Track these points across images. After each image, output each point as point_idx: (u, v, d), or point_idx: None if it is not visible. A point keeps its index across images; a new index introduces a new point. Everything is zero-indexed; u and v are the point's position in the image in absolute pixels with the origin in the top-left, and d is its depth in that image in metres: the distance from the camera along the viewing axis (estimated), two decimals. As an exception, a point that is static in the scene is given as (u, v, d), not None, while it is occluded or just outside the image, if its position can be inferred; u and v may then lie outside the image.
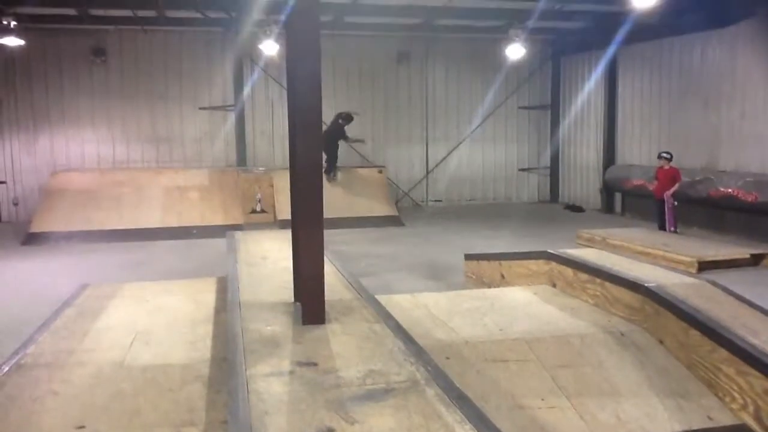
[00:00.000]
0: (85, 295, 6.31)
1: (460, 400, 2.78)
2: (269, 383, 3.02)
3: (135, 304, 5.97)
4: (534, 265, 6.81)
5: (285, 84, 15.59)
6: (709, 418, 4.03)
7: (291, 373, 3.14)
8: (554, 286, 6.35)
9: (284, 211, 13.91)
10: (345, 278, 5.18)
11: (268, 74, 15.90)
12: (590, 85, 15.95)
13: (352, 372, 3.13)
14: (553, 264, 6.40)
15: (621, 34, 13.07)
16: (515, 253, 7.38)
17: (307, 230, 3.84)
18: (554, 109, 17.71)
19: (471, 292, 6.55)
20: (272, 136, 16.42)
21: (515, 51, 14.42)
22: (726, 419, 4.02)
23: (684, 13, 11.72)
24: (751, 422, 3.92)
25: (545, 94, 17.79)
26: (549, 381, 4.30)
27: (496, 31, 14.99)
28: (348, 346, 3.54)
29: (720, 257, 9.17)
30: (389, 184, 15.70)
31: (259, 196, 14.39)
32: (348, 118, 13.95)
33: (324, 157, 12.02)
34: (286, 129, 15.74)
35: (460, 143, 17.32)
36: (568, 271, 6.13)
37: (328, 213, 4.39)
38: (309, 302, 3.92)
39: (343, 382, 3.01)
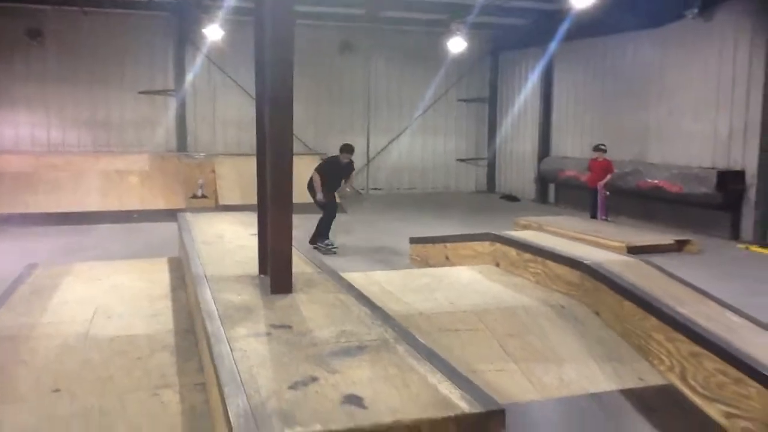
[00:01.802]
0: (35, 275, 6.32)
1: (429, 354, 3.06)
2: (249, 343, 3.23)
3: (89, 282, 6.03)
4: (478, 246, 7.17)
5: (227, 70, 15.73)
6: (641, 379, 4.44)
7: (268, 334, 3.36)
8: (498, 265, 6.72)
9: (226, 197, 13.98)
10: (304, 255, 5.39)
11: (210, 60, 15.84)
12: (527, 80, 16.53)
13: (326, 333, 3.36)
14: (497, 245, 6.77)
15: (558, 32, 13.63)
16: (460, 236, 7.72)
17: (277, 206, 4.04)
18: (492, 102, 18.27)
19: (421, 271, 6.87)
20: (214, 122, 16.39)
21: (456, 45, 14.84)
22: (655, 380, 4.44)
23: (618, 13, 12.32)
24: (677, 382, 4.35)
25: (484, 88, 18.31)
26: (498, 348, 4.63)
27: (438, 24, 15.37)
28: (317, 312, 3.78)
29: (647, 243, 9.79)
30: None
31: (201, 181, 14.39)
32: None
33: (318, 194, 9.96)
34: (229, 115, 15.54)
35: (401, 133, 17.66)
36: (512, 252, 6.51)
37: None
38: (277, 273, 4.12)
39: (318, 341, 3.24)
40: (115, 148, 15.46)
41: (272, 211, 4.07)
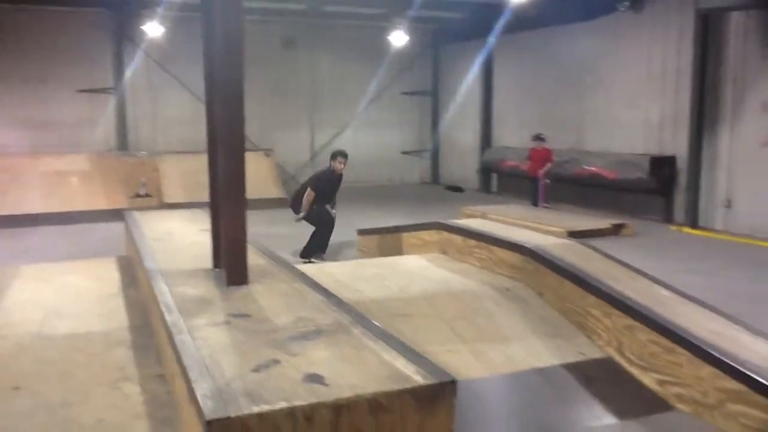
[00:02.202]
0: (-20, 278, 6.24)
1: (383, 335, 3.24)
2: (209, 332, 3.34)
3: (38, 283, 6.01)
4: (426, 235, 7.38)
5: (168, 67, 15.55)
6: (581, 354, 4.72)
7: (227, 323, 3.47)
8: (445, 253, 6.95)
9: (170, 195, 13.87)
10: (256, 248, 5.49)
11: (150, 57, 15.65)
12: (468, 73, 16.83)
13: (283, 319, 3.50)
14: (444, 233, 7.00)
15: (497, 25, 13.95)
16: (408, 225, 7.92)
17: (231, 199, 4.15)
18: (435, 94, 18.57)
19: (370, 261, 7.05)
20: (155, 120, 16.19)
21: (398, 38, 15.04)
22: (595, 354, 4.72)
23: (555, 6, 12.71)
24: (615, 354, 4.64)
25: (427, 81, 18.58)
26: (448, 331, 4.85)
27: (381, 18, 15.54)
28: (274, 301, 3.91)
29: (586, 228, 10.19)
30: (276, 166, 15.92)
31: (143, 180, 14.23)
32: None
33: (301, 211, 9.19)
34: (170, 113, 15.33)
35: (346, 128, 17.78)
36: (458, 239, 6.74)
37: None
38: (232, 265, 4.23)
39: (277, 327, 3.38)
40: (53, 149, 15.11)
41: (226, 205, 4.17)
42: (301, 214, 9.15)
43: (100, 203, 13.45)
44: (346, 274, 6.04)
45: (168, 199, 13.68)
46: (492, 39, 15.16)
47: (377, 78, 17.42)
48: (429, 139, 18.87)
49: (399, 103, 18.33)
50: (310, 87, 17.43)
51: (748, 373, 3.72)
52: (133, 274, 6.17)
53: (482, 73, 16.55)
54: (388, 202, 14.82)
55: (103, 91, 15.56)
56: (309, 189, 9.13)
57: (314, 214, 9.12)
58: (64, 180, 13.87)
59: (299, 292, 4.13)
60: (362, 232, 9.15)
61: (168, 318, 3.52)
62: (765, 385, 3.61)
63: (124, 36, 15.38)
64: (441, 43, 18.01)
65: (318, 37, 17.12)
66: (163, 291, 4.10)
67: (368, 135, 18.20)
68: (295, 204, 9.42)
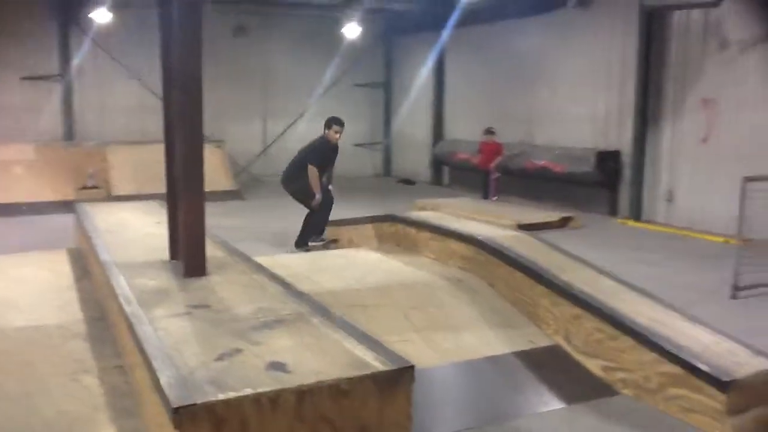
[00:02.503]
0: (-71, 271, 6.11)
1: (342, 324, 3.34)
2: (170, 322, 3.39)
3: (-10, 276, 5.91)
4: (380, 227, 7.50)
5: (116, 55, 15.26)
6: (531, 342, 4.91)
7: (188, 314, 3.52)
8: (399, 245, 7.08)
9: (120, 187, 13.65)
10: (213, 240, 5.52)
11: (98, 44, 15.32)
12: (421, 65, 16.96)
13: (244, 310, 3.57)
14: (399, 226, 7.13)
15: (449, 18, 14.10)
16: (362, 218, 8.02)
17: (189, 190, 4.18)
18: (387, 87, 18.66)
19: (326, 253, 7.15)
20: (102, 109, 15.87)
21: (351, 30, 15.08)
22: (544, 342, 4.92)
23: (506, 0, 12.92)
24: (563, 342, 4.84)
25: (380, 73, 18.66)
26: (402, 320, 4.98)
27: (334, 9, 15.53)
28: (233, 292, 3.97)
29: (535, 220, 10.44)
30: (227, 158, 15.79)
31: (91, 171, 13.95)
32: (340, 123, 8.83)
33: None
34: (119, 102, 14.95)
35: (298, 119, 17.74)
36: (412, 231, 6.88)
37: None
38: (190, 256, 4.26)
39: (238, 317, 3.44)
40: (-5, 138, 14.69)
41: (184, 196, 4.20)
42: (318, 197, 8.18)
43: (47, 194, 13.14)
44: (302, 266, 6.11)
45: (117, 191, 13.46)
46: (445, 32, 15.31)
47: (330, 69, 17.40)
48: (382, 131, 18.97)
49: (352, 95, 18.35)
50: (263, 77, 17.32)
51: (687, 358, 3.95)
52: (86, 266, 6.12)
53: (435, 66, 16.71)
54: (342, 194, 14.76)
55: (48, 78, 15.17)
56: (309, 165, 8.19)
57: (310, 193, 8.23)
58: (9, 170, 13.49)
59: (258, 283, 4.20)
60: (316, 224, 9.20)
61: (128, 309, 3.55)
62: (703, 369, 3.84)
63: (71, 22, 15.03)
64: (394, 35, 18.10)
65: (270, 27, 17.01)
66: (121, 283, 4.11)
67: (320, 126, 18.09)
68: (288, 181, 8.55)
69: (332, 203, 8.52)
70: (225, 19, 16.34)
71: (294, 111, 17.66)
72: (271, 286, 4.10)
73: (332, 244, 8.25)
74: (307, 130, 17.81)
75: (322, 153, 8.47)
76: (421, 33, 16.68)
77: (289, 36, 17.28)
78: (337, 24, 15.51)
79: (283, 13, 16.70)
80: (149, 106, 14.78)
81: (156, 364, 2.77)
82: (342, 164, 18.13)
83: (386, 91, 18.71)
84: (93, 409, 3.34)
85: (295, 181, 8.40)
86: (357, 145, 18.71)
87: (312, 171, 8.17)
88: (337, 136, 8.49)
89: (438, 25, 15.08)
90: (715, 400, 3.73)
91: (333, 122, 8.51)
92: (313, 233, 8.31)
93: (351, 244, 7.98)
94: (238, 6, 15.98)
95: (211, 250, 5.01)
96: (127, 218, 6.97)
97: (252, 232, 10.32)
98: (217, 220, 11.15)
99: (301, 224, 8.42)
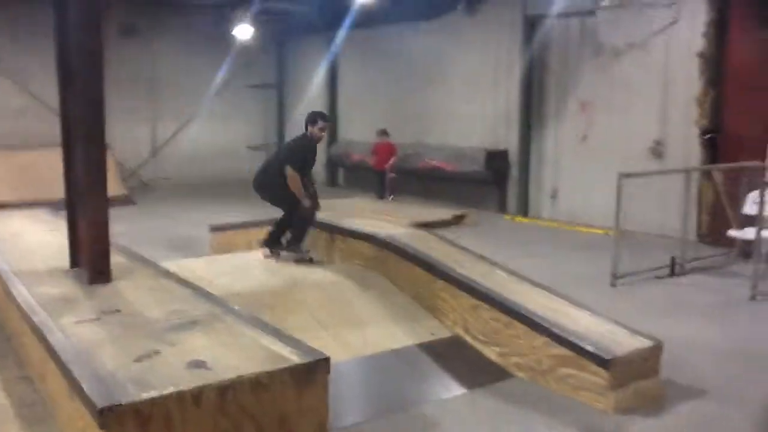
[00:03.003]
0: None
1: (256, 322, 3.45)
2: (82, 329, 3.38)
3: None
4: (281, 229, 7.56)
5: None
6: (432, 334, 5.18)
7: (98, 319, 3.52)
8: (300, 246, 7.18)
9: (-1, 194, 12.95)
10: (114, 246, 5.44)
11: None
12: (315, 67, 17.06)
13: (156, 313, 3.60)
14: (299, 227, 7.22)
15: (342, 21, 14.27)
16: (262, 221, 8.04)
17: (93, 195, 4.13)
18: (281, 88, 18.65)
19: (229, 256, 7.14)
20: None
21: (243, 30, 14.99)
22: (444, 333, 5.20)
23: (398, 4, 13.23)
24: (462, 332, 5.14)
25: (272, 74, 18.61)
26: (310, 319, 5.12)
27: (225, 9, 15.37)
28: (142, 296, 3.98)
29: (430, 219, 10.79)
30: (115, 162, 15.30)
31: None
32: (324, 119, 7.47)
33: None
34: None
35: (189, 121, 17.42)
36: (311, 232, 7.01)
37: (54, 194, 4.50)
38: (95, 263, 4.22)
39: (151, 320, 3.48)
40: None
41: (88, 200, 4.15)
42: (305, 202, 6.90)
43: None
44: (206, 269, 6.12)
45: (-4, 199, 12.76)
46: (338, 34, 15.48)
47: (222, 70, 17.18)
48: (275, 133, 18.93)
49: (244, 97, 18.20)
50: (151, 79, 16.86)
51: (575, 340, 4.31)
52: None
53: (328, 67, 16.86)
54: (237, 197, 14.68)
55: None
56: (289, 167, 6.92)
57: (285, 199, 7.02)
58: None
59: (165, 287, 4.22)
60: (215, 229, 9.11)
61: (35, 319, 3.50)
62: (587, 350, 4.22)
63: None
64: (287, 36, 18.10)
65: (159, 26, 16.59)
66: (23, 293, 4.02)
67: (213, 128, 17.92)
68: (263, 188, 7.30)
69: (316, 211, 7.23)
70: (111, 16, 15.80)
71: (185, 113, 17.33)
72: (179, 290, 4.14)
73: (310, 258, 6.77)
74: (200, 132, 17.58)
75: (304, 154, 7.18)
76: (314, 35, 16.78)
77: (179, 36, 16.93)
78: (229, 24, 15.36)
79: (172, 13, 16.35)
80: (30, 110, 14.13)
81: (74, 369, 2.79)
82: (235, 166, 18.10)
83: (279, 93, 18.70)
84: (1, 421, 3.29)
85: (271, 188, 7.12)
86: (250, 147, 18.59)
87: (292, 176, 6.89)
88: (323, 133, 7.31)
89: (331, 27, 15.22)
90: (599, 376, 4.11)
91: (318, 117, 7.24)
92: (300, 238, 6.92)
93: (251, 247, 7.99)
94: (126, 3, 15.51)
95: (113, 257, 4.96)
96: (19, 227, 6.72)
97: (147, 237, 10.09)
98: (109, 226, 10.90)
99: (275, 224, 7.23)
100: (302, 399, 2.92)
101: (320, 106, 17.25)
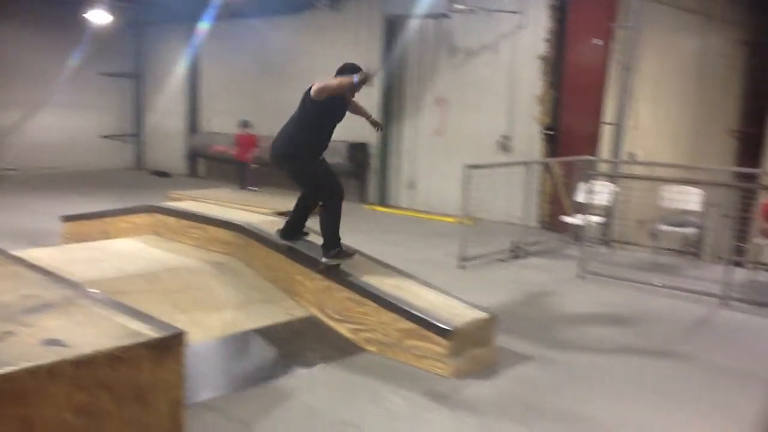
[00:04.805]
0: None
1: (111, 302, 3.53)
2: (-74, 314, 3.32)
3: None
4: (137, 218, 7.51)
5: None
6: (289, 314, 5.41)
7: (-56, 305, 3.46)
8: (158, 235, 7.17)
9: None
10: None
11: None
12: (176, 57, 16.71)
13: (7, 297, 3.58)
14: (157, 216, 7.22)
15: (205, 11, 14.11)
16: (118, 210, 7.94)
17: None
18: (139, 77, 18.10)
19: (82, 245, 7.00)
20: None
21: (98, 16, 14.44)
22: (301, 314, 5.45)
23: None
24: (317, 312, 5.41)
25: (130, 63, 18.01)
26: (167, 304, 5.18)
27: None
28: (-9, 282, 3.92)
29: (290, 208, 10.97)
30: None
31: None
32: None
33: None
34: None
35: (38, 108, 16.53)
36: (171, 220, 7.04)
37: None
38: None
39: (2, 305, 3.47)
40: None
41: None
42: (357, 78, 5.03)
43: None
44: (57, 258, 5.98)
45: None
46: (199, 25, 15.26)
47: (74, 57, 16.42)
48: (132, 123, 18.35)
49: (98, 85, 17.49)
50: (-5, 63, 15.86)
51: (418, 314, 4.71)
52: None
53: (190, 58, 16.57)
54: (90, 188, 14.22)
55: None
56: (315, 84, 5.27)
57: (308, 169, 5.53)
58: None
59: (17, 273, 4.18)
60: (67, 219, 8.83)
61: None
62: (430, 322, 4.62)
63: None
64: (146, 24, 17.56)
65: (5, 7, 15.60)
66: None
67: (64, 117, 17.13)
68: (282, 155, 5.59)
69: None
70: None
71: (32, 100, 16.42)
72: (31, 275, 4.11)
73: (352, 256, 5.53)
74: (50, 121, 16.74)
75: (331, 101, 5.37)
76: (175, 24, 16.44)
77: (28, 20, 16.01)
78: (82, 9, 14.72)
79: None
80: None
81: None
82: (88, 156, 17.43)
83: (137, 82, 18.14)
84: None
85: (291, 154, 5.48)
86: (105, 137, 17.92)
87: (323, 86, 5.20)
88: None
89: (193, 17, 15.00)
90: (440, 345, 4.53)
91: (346, 69, 5.33)
92: (337, 237, 5.47)
93: (106, 237, 7.85)
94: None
95: (-43, 245, 4.81)
96: None
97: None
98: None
99: (295, 208, 5.89)
100: (158, 373, 3.06)
101: (181, 96, 16.96)
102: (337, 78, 5.19)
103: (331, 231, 5.44)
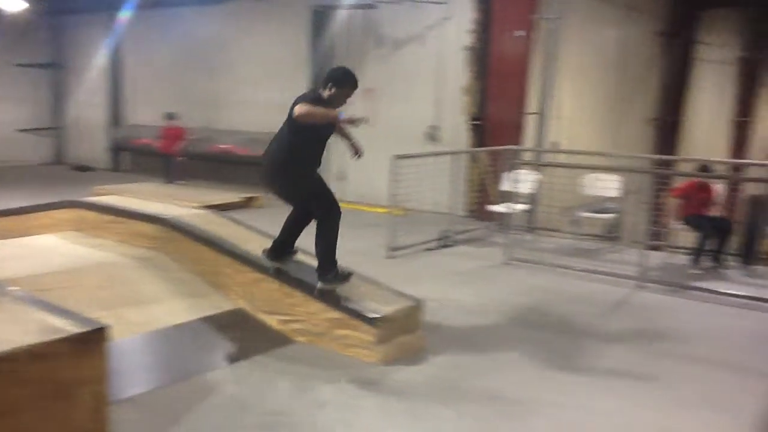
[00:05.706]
0: None
1: (31, 299, 3.45)
2: None
3: None
4: (57, 214, 7.31)
5: None
6: (217, 308, 5.38)
7: None
8: (80, 231, 7.00)
9: None
10: None
11: None
12: (97, 47, 16.21)
13: None
14: (78, 211, 7.05)
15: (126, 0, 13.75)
16: (39, 205, 7.69)
17: None
18: (58, 68, 17.47)
19: (1, 242, 6.75)
20: None
21: (11, 4, 13.85)
22: (228, 306, 5.42)
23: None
24: (246, 305, 5.40)
25: (47, 53, 17.36)
26: (90, 300, 5.08)
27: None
28: None
29: (219, 201, 10.86)
30: None
31: None
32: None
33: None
34: None
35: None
36: (92, 215, 6.88)
37: None
38: None
39: None
40: None
41: None
42: (336, 114, 4.99)
43: None
44: (-27, 256, 5.79)
45: None
46: (121, 13, 14.84)
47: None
48: (51, 116, 17.71)
49: (13, 76, 16.80)
50: None
51: (345, 304, 4.76)
52: None
53: (112, 48, 16.09)
54: (8, 183, 13.68)
55: None
56: (298, 105, 4.87)
57: (303, 181, 5.10)
58: None
59: (-73, 272, 4.03)
60: (-18, 215, 8.51)
61: None
62: (357, 311, 4.69)
63: None
64: (64, 12, 16.94)
65: None
66: None
67: (-22, 110, 16.40)
68: (271, 173, 5.10)
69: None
70: None
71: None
72: (-57, 274, 3.97)
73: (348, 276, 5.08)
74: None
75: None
76: (95, 13, 15.93)
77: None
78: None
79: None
80: None
81: None
82: (3, 151, 16.68)
83: (56, 73, 17.50)
84: None
85: (279, 172, 5.05)
86: (21, 130, 17.23)
87: (303, 110, 4.80)
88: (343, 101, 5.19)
89: (114, 6, 14.59)
90: (368, 333, 4.60)
91: (344, 79, 5.21)
92: (334, 257, 5.12)
93: (25, 233, 7.60)
94: None
95: None
96: None
97: None
98: None
99: (284, 227, 5.43)
100: (80, 369, 3.02)
101: (104, 88, 16.47)
102: (321, 109, 4.83)
103: (326, 250, 5.07)
